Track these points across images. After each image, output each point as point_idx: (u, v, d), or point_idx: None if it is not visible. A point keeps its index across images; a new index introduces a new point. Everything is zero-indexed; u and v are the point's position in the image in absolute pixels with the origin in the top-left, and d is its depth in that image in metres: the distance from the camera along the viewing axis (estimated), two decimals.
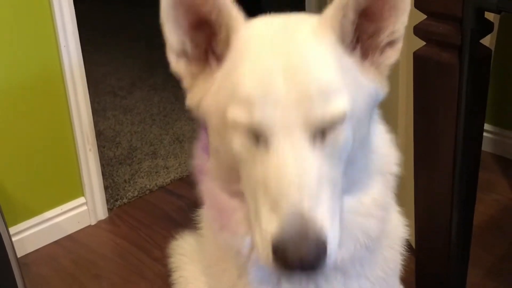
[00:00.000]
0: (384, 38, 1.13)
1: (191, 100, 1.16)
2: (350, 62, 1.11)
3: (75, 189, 3.06)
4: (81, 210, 3.09)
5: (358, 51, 1.13)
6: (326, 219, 1.01)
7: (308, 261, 0.98)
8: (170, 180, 3.33)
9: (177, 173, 3.36)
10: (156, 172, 3.39)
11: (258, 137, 1.04)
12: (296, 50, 1.04)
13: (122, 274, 2.63)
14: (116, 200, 3.20)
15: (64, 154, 2.96)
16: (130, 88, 4.40)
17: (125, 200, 3.20)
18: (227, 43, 1.10)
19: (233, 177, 1.12)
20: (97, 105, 4.09)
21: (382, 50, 1.14)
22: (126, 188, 3.27)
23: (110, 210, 3.16)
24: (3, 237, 2.36)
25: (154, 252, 2.79)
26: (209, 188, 1.21)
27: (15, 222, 2.88)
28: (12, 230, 2.58)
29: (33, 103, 2.77)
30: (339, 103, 1.04)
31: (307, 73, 1.03)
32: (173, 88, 4.30)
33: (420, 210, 2.18)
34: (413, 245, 2.54)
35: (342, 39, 1.09)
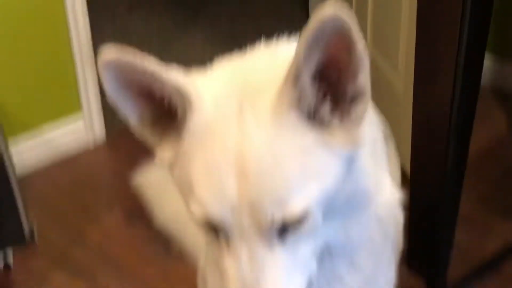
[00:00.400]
0: (349, 90, 0.98)
1: (159, 162, 1.08)
2: (314, 137, 0.97)
3: (73, 106, 3.07)
4: (79, 130, 3.11)
5: (327, 105, 0.98)
6: None
7: None
8: None
9: None
10: None
11: (218, 233, 1.01)
12: (249, 147, 0.94)
13: (118, 193, 2.67)
14: (114, 122, 3.20)
15: (63, 71, 2.97)
16: (129, 9, 4.34)
17: (122, 122, 3.19)
18: (184, 119, 1.00)
19: None
20: (95, 26, 4.04)
21: (351, 102, 0.99)
22: None
23: (108, 132, 3.17)
24: (3, 155, 2.38)
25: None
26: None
27: (12, 134, 2.90)
28: (11, 147, 2.60)
29: (32, 18, 2.76)
30: (298, 204, 0.95)
31: (259, 175, 0.94)
32: (172, 12, 4.25)
33: (417, 138, 2.20)
34: (408, 172, 2.58)
35: (304, 108, 0.96)
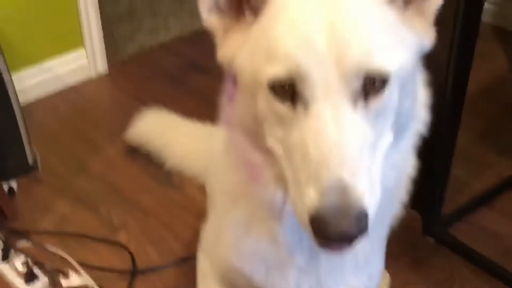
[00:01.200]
0: None
1: (223, 55, 1.09)
2: (394, 16, 1.03)
3: (76, 40, 3.08)
4: (81, 62, 3.13)
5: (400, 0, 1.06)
6: (367, 188, 0.95)
7: (349, 234, 0.93)
8: (170, 39, 3.33)
9: (177, 32, 3.36)
10: (156, 31, 3.39)
11: (295, 99, 0.98)
12: (339, 6, 0.97)
13: (121, 124, 2.70)
14: (116, 55, 3.22)
15: (65, 4, 2.96)
16: None
17: (125, 56, 3.22)
18: None
19: (261, 135, 1.06)
20: None
21: None
22: (126, 44, 3.28)
23: (110, 64, 3.18)
24: (6, 84, 2.40)
25: (151, 105, 2.84)
26: (237, 141, 1.14)
27: (16, 68, 2.91)
28: (14, 77, 2.62)
29: None
30: (383, 64, 0.97)
31: (349, 31, 0.96)
32: None
33: None
34: None
35: None
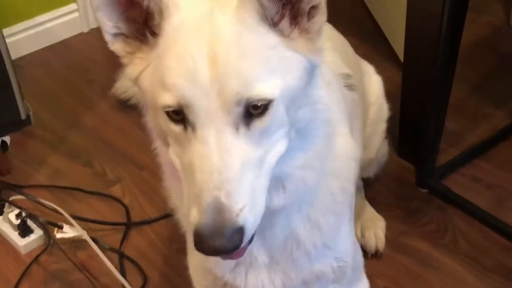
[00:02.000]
0: (306, 4, 1.10)
1: (129, 75, 1.16)
2: (277, 40, 1.09)
3: None
4: (73, 17, 3.09)
5: (285, 20, 1.10)
6: (246, 205, 1.05)
7: (223, 250, 1.04)
8: None
9: None
10: None
11: (186, 122, 1.07)
12: (219, 38, 1.04)
13: (112, 78, 2.67)
14: None
15: None
16: None
17: None
18: (160, 26, 1.10)
19: (166, 144, 1.16)
20: None
21: (309, 15, 1.11)
22: None
23: None
24: None
25: None
26: (164, 153, 1.24)
27: (8, 24, 2.88)
28: (5, 32, 2.59)
29: None
30: (262, 91, 1.05)
31: (229, 64, 1.03)
32: None
33: (411, 24, 2.19)
34: (401, 58, 2.59)
35: (264, 16, 1.08)
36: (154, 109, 1.12)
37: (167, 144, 1.15)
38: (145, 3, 1.09)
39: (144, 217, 2.31)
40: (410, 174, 2.38)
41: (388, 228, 2.18)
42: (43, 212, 2.26)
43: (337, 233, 1.41)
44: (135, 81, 1.15)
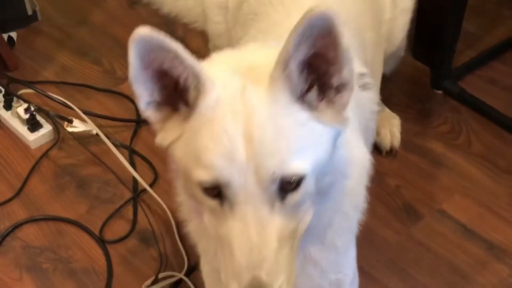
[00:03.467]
0: (335, 81, 1.10)
1: (160, 141, 1.15)
2: (307, 115, 1.10)
3: None
4: None
5: (313, 92, 1.11)
6: (284, 281, 1.08)
7: None
8: None
9: None
10: None
11: (222, 199, 1.08)
12: (254, 118, 1.06)
13: None
14: None
15: None
16: None
17: None
18: (196, 100, 1.10)
19: (200, 208, 1.17)
20: None
21: (336, 90, 1.12)
22: None
23: None
24: None
25: None
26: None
27: None
28: None
29: None
30: (297, 168, 1.07)
31: (264, 142, 1.05)
32: None
33: None
34: None
35: (294, 91, 1.09)
36: (188, 180, 1.12)
37: (198, 209, 1.18)
38: (183, 77, 1.09)
39: None
40: (425, 76, 2.33)
41: (402, 129, 2.15)
42: (52, 107, 2.24)
43: (348, 249, 1.43)
44: (166, 148, 1.15)
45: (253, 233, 1.06)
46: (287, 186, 1.07)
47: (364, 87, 1.56)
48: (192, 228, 1.42)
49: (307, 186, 1.09)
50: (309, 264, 1.36)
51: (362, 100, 1.49)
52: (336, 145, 1.16)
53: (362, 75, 1.57)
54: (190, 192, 1.16)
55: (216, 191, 1.07)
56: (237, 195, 1.06)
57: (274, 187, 1.06)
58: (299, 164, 1.07)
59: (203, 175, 1.06)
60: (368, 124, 1.53)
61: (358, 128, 1.43)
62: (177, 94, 1.12)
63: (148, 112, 1.12)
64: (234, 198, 1.06)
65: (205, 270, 1.55)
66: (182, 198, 1.39)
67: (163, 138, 1.14)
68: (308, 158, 1.08)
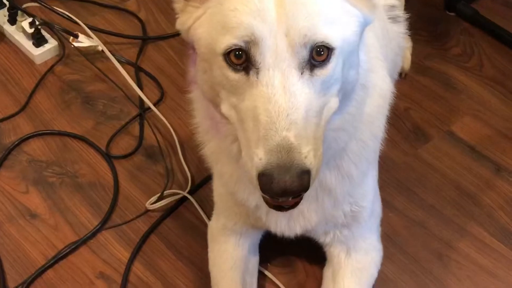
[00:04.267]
0: None
1: (181, 24, 1.16)
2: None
3: None
4: None
5: None
6: (311, 150, 1.05)
7: (291, 190, 1.03)
8: None
9: None
10: None
11: (248, 68, 1.06)
12: None
13: None
14: None
15: None
16: None
17: None
18: None
19: (217, 101, 1.16)
20: None
21: None
22: None
23: None
24: None
25: None
26: (201, 98, 1.27)
27: None
28: None
29: None
30: (328, 36, 1.05)
31: (296, 6, 1.04)
32: None
33: None
34: None
35: None
36: (210, 57, 1.10)
37: (216, 101, 1.15)
38: None
39: (160, 33, 2.25)
40: None
41: (414, 51, 2.11)
42: (57, 23, 2.19)
43: (363, 180, 1.41)
44: (187, 31, 1.14)
45: (281, 97, 1.04)
46: (317, 56, 1.06)
47: (394, 19, 1.53)
48: (208, 150, 1.43)
49: (335, 66, 1.08)
50: (323, 192, 1.37)
51: (391, 33, 1.46)
52: (360, 44, 1.16)
53: (392, 7, 1.53)
54: (210, 79, 1.13)
55: (242, 60, 1.05)
56: (266, 57, 1.04)
57: (305, 52, 1.04)
58: (330, 32, 1.05)
59: (230, 38, 1.04)
60: (395, 59, 1.50)
61: (385, 59, 1.42)
62: None
63: None
64: (263, 61, 1.04)
65: (218, 192, 1.56)
66: (198, 119, 1.41)
67: (184, 20, 1.14)
68: (337, 32, 1.07)
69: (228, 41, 1.04)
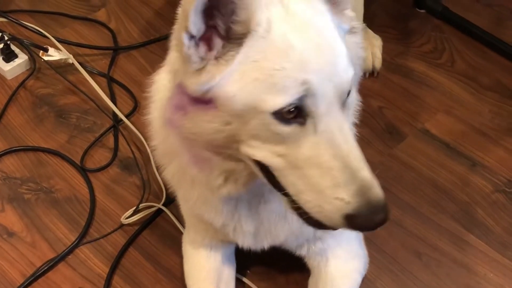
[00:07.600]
0: None
1: (200, 84, 1.09)
2: (332, 16, 1.14)
3: None
4: None
5: None
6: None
7: (385, 220, 1.10)
8: None
9: None
10: None
11: (301, 118, 1.07)
12: (315, 30, 1.08)
13: None
14: None
15: None
16: None
17: None
18: (245, 25, 1.06)
19: (232, 148, 1.15)
20: None
21: None
22: None
23: None
24: None
25: None
26: (186, 141, 1.22)
27: None
28: None
29: None
30: (351, 72, 1.11)
31: (332, 52, 1.08)
32: None
33: None
34: None
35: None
36: (247, 114, 1.09)
37: (225, 147, 1.15)
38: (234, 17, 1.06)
39: (131, 42, 2.24)
40: None
41: (385, 49, 2.12)
42: (27, 37, 2.18)
43: None
44: (207, 89, 1.09)
45: (341, 140, 1.08)
46: (349, 88, 1.11)
47: (350, 31, 1.53)
48: (169, 174, 1.42)
49: (351, 95, 1.15)
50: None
51: (348, 45, 1.46)
52: None
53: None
54: (233, 132, 1.12)
55: (295, 114, 1.07)
56: (321, 106, 1.06)
57: (346, 94, 1.11)
58: (351, 67, 1.11)
59: (286, 98, 1.05)
60: (354, 68, 1.51)
61: None
62: (216, 31, 1.07)
63: (191, 49, 1.07)
64: (317, 109, 1.06)
65: (185, 212, 1.56)
66: (156, 142, 1.39)
67: (206, 80, 1.08)
68: (349, 62, 1.12)
69: (283, 101, 1.05)
